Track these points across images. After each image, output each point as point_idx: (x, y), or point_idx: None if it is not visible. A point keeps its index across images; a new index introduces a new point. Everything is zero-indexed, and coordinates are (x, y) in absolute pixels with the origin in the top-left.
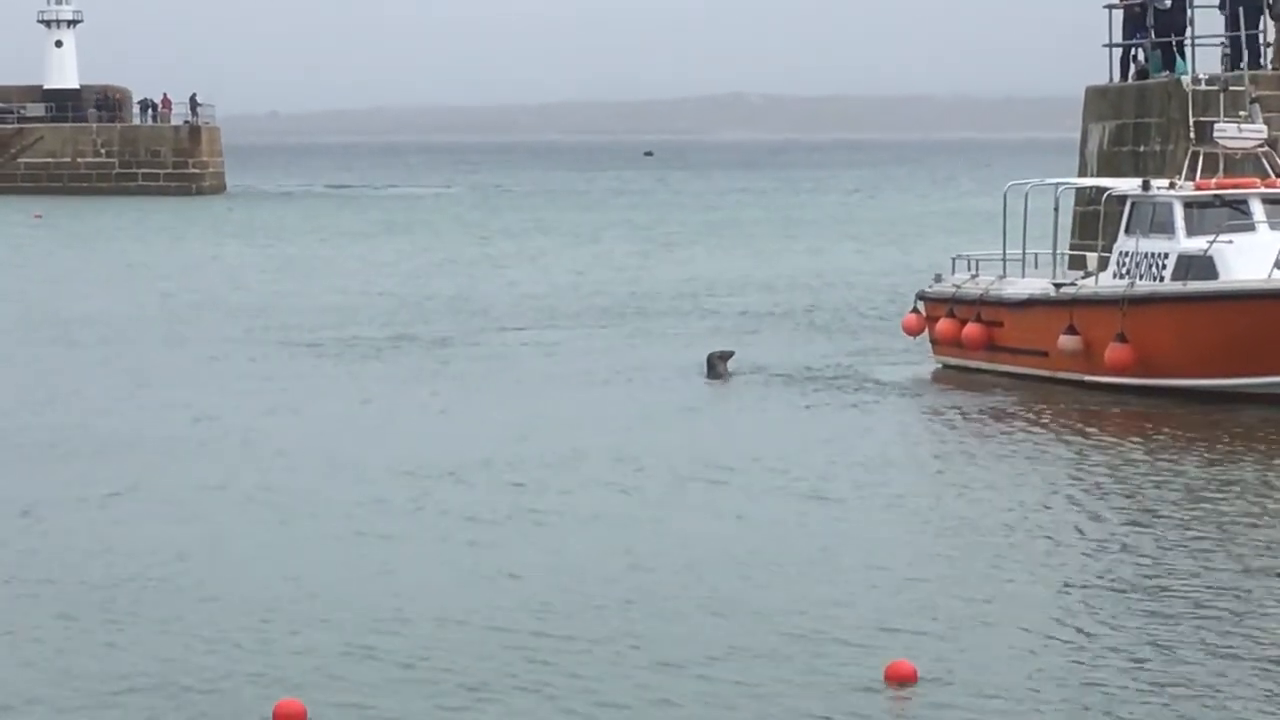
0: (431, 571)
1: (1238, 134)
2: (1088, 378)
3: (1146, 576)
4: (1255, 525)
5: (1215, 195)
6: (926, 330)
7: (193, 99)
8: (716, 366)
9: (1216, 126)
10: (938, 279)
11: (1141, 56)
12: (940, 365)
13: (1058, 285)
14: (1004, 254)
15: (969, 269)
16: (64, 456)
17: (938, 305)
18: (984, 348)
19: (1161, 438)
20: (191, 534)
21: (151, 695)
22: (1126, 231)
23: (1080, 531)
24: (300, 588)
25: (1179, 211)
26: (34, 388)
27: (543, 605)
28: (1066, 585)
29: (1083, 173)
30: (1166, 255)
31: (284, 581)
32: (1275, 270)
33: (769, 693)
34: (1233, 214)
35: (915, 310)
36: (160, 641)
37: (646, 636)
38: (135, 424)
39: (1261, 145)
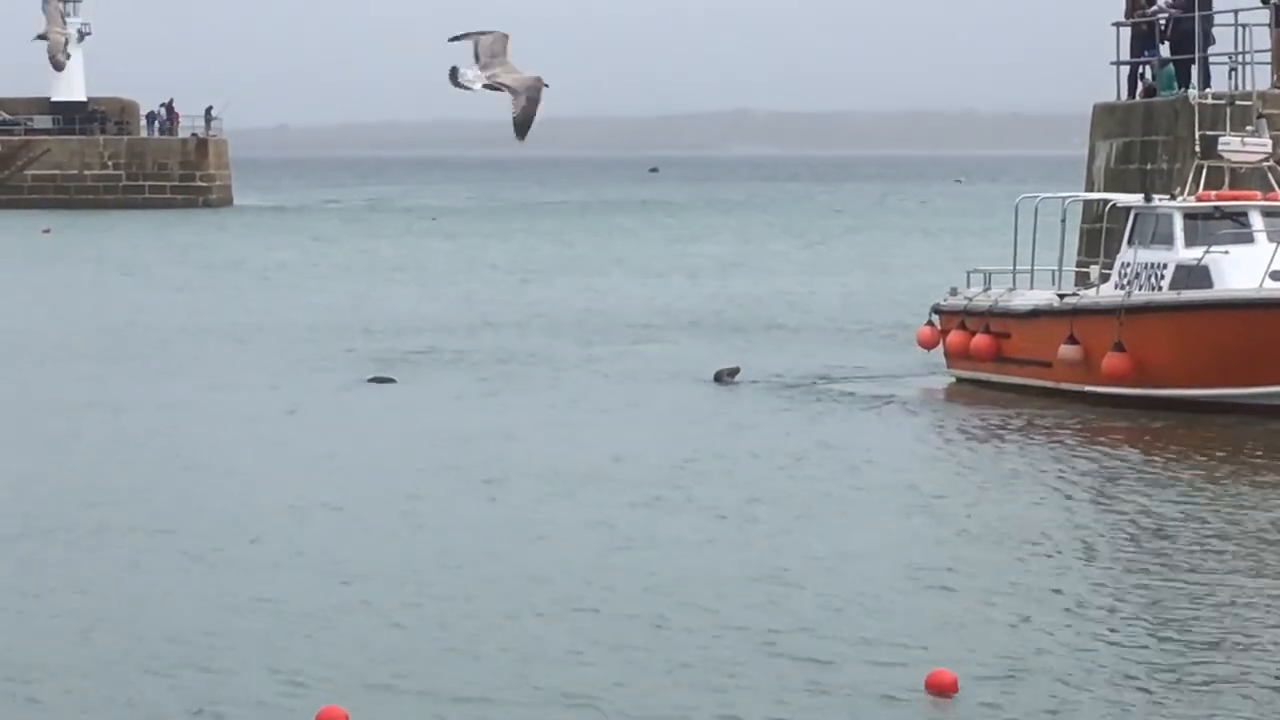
0: (470, 582)
1: (1241, 147)
2: (1088, 388)
3: (1164, 584)
4: (1255, 533)
5: (1215, 207)
6: (941, 343)
7: (208, 112)
8: (724, 382)
9: (1220, 140)
10: (953, 292)
11: (1149, 75)
12: (954, 379)
13: (1062, 296)
14: (1014, 267)
15: (984, 283)
16: (167, 459)
17: (951, 318)
18: (992, 359)
19: (1161, 448)
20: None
21: (194, 700)
22: (1129, 243)
23: (1096, 543)
24: (344, 595)
25: (1179, 222)
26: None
27: (579, 617)
28: (1088, 595)
29: (1090, 190)
30: (1165, 265)
31: (329, 589)
32: (1268, 280)
33: (807, 701)
34: (1232, 225)
35: (929, 323)
36: (205, 646)
37: (682, 646)
38: (209, 434)
39: (1266, 159)
